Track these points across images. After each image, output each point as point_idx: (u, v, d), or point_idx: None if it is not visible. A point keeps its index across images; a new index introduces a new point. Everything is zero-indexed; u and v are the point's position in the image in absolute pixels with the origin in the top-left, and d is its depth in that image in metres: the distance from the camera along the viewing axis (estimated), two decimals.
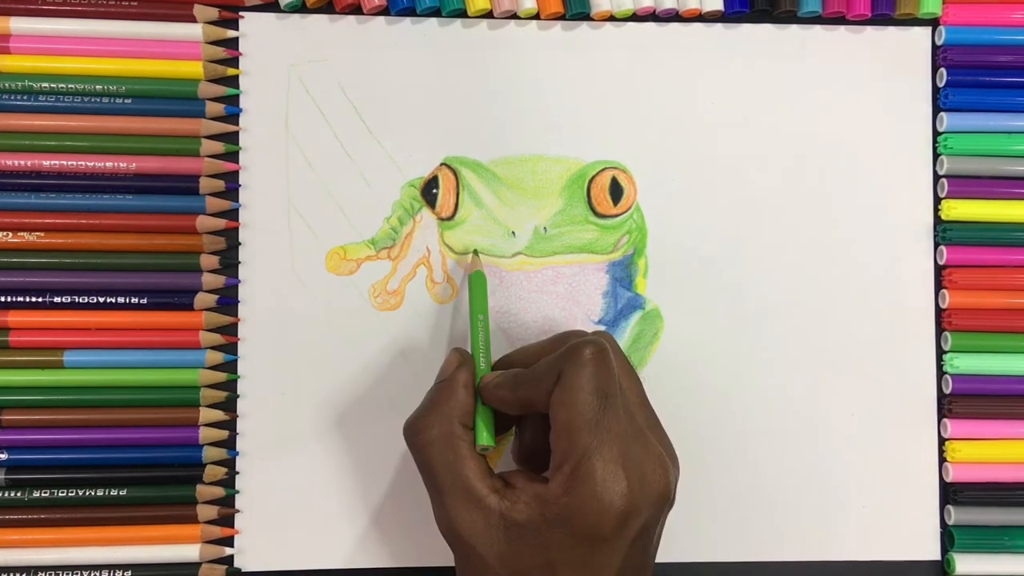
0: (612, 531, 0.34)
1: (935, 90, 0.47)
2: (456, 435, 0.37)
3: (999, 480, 0.45)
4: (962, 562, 0.45)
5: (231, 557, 0.44)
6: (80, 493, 0.43)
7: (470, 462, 0.36)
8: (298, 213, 0.45)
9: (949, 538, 0.45)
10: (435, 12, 0.45)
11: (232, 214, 0.45)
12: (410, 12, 0.45)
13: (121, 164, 0.44)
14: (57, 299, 0.43)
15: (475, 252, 0.44)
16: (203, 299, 0.44)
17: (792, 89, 0.46)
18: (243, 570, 0.44)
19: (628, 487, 0.34)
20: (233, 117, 0.45)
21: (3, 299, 0.43)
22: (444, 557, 0.44)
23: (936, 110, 0.46)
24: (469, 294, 0.42)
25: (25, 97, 0.43)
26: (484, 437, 0.38)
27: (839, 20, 0.46)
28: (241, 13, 0.45)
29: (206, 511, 0.43)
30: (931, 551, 0.46)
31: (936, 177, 0.46)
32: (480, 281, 0.43)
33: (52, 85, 0.43)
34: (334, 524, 0.44)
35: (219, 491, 0.44)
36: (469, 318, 0.42)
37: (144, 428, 0.43)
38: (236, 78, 0.45)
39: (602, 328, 0.45)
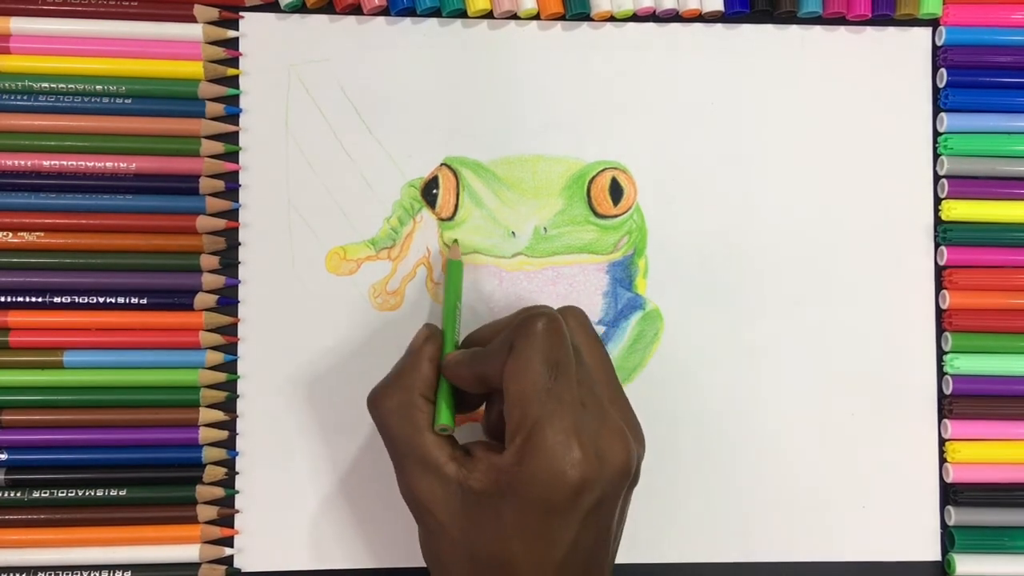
0: (564, 502, 0.34)
1: (935, 90, 0.47)
2: (416, 406, 0.37)
3: (999, 481, 0.45)
4: (962, 563, 0.45)
5: (231, 557, 0.44)
6: (80, 493, 0.43)
7: (428, 432, 0.37)
8: (298, 213, 0.45)
9: (949, 539, 0.45)
10: (435, 12, 0.45)
11: (232, 214, 0.45)
12: (410, 12, 0.45)
13: (121, 164, 0.44)
14: (57, 299, 0.43)
15: (455, 241, 0.44)
16: (203, 299, 0.44)
17: (792, 89, 0.46)
18: (243, 570, 0.44)
19: (582, 457, 0.34)
20: (233, 117, 0.45)
21: (3, 299, 0.43)
22: None
23: (936, 110, 0.46)
24: (445, 280, 0.43)
25: (25, 97, 0.43)
26: (443, 417, 0.38)
27: (839, 20, 0.46)
28: (241, 13, 0.45)
29: (206, 511, 0.43)
30: (931, 552, 0.46)
31: (936, 177, 0.46)
32: (457, 269, 0.43)
33: (52, 85, 0.43)
34: (334, 524, 0.44)
35: (219, 491, 0.44)
36: (443, 301, 0.42)
37: (144, 428, 0.43)
38: (236, 78, 0.45)
39: (602, 328, 0.45)
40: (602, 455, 0.34)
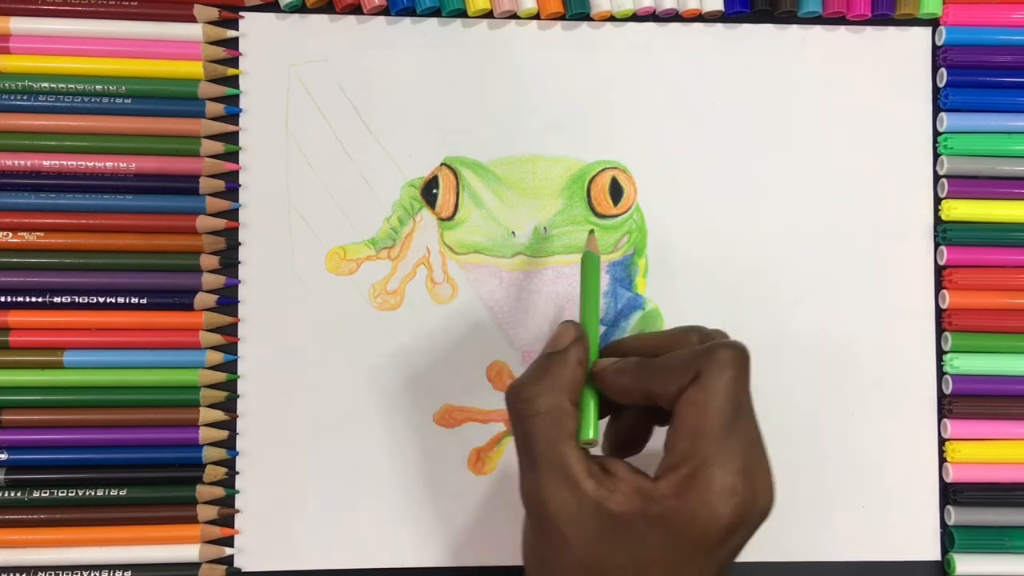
0: (715, 542, 0.32)
1: (935, 90, 0.47)
2: (566, 412, 0.35)
3: (999, 480, 0.45)
4: (962, 562, 0.45)
5: (231, 557, 0.44)
6: (80, 493, 0.43)
7: (572, 442, 0.34)
8: (298, 213, 0.45)
9: (949, 538, 0.45)
10: (435, 12, 0.45)
11: (232, 214, 0.45)
12: (410, 12, 0.45)
13: (121, 164, 0.44)
14: (57, 299, 0.43)
15: (592, 231, 0.41)
16: (203, 299, 0.44)
17: (792, 89, 0.46)
18: (243, 570, 0.44)
19: (742, 503, 0.32)
20: (233, 117, 0.45)
21: (3, 299, 0.43)
22: (443, 557, 0.44)
23: (936, 110, 0.46)
24: (584, 277, 0.39)
25: (25, 97, 0.43)
26: (591, 431, 0.35)
27: (839, 20, 0.46)
28: (241, 13, 0.45)
29: (206, 511, 0.43)
30: (931, 551, 0.46)
31: (936, 177, 0.46)
32: (595, 264, 0.39)
33: (52, 85, 0.43)
34: (334, 524, 0.44)
35: (219, 491, 0.44)
36: (581, 301, 0.39)
37: (144, 428, 0.43)
38: (236, 78, 0.45)
39: (602, 328, 0.45)
40: (756, 498, 0.33)
